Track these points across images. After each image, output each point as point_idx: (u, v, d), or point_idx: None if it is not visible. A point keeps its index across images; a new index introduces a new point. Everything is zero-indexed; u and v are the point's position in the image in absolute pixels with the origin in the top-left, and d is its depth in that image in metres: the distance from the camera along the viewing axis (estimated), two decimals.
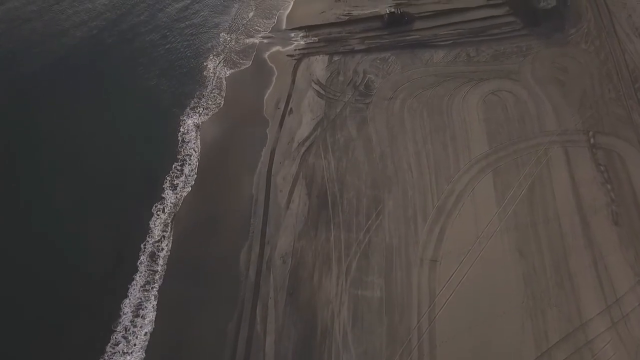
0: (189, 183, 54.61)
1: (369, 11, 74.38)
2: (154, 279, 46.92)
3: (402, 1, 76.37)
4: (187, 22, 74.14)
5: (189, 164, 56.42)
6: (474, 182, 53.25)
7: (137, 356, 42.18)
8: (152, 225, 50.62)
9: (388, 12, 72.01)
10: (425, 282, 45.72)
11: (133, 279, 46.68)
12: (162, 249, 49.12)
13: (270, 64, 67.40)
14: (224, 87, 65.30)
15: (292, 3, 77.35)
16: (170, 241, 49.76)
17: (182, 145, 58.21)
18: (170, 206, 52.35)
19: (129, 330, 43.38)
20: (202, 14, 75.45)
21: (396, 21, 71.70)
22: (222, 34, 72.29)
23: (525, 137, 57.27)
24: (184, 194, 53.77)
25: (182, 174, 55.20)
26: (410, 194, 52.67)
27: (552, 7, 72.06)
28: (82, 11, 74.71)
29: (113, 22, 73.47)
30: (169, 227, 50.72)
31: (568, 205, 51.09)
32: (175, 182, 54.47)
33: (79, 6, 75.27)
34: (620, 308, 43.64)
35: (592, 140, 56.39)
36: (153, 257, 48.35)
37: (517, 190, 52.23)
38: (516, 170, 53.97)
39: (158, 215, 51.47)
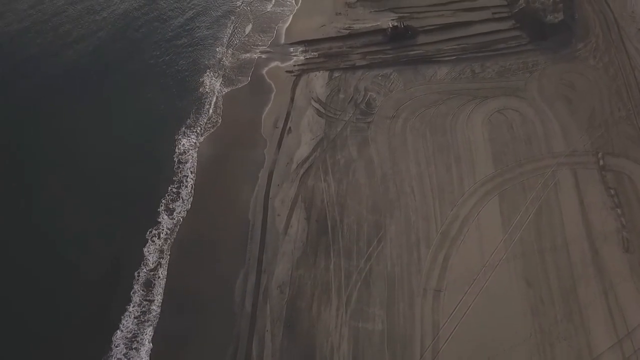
0: (185, 207, 54.00)
1: (370, 25, 74.13)
2: (149, 309, 46.25)
3: (405, 14, 75.80)
4: (183, 37, 74.01)
5: (186, 187, 55.95)
6: (479, 206, 52.68)
7: None
8: (146, 253, 50.07)
9: (391, 25, 71.59)
10: (429, 313, 45.10)
11: (126, 310, 46.06)
12: (158, 277, 48.54)
13: (269, 81, 67.06)
14: (220, 104, 64.98)
15: (291, 16, 77.11)
16: (166, 269, 48.97)
17: (179, 167, 57.77)
18: (167, 232, 51.89)
19: None
20: (199, 28, 75.25)
21: (399, 35, 71.37)
22: (219, 48, 72.02)
23: (532, 159, 56.76)
24: (181, 219, 53.09)
25: (179, 197, 54.72)
26: (412, 219, 52.12)
27: (559, 21, 71.41)
28: (79, 27, 74.39)
29: (110, 37, 73.31)
30: (165, 255, 50.05)
31: (577, 232, 50.49)
32: (171, 206, 53.94)
33: (75, 22, 74.75)
34: (632, 342, 43.03)
35: (601, 162, 55.83)
36: (148, 286, 47.70)
37: (523, 216, 51.65)
38: (523, 194, 53.42)
39: (153, 241, 50.94)
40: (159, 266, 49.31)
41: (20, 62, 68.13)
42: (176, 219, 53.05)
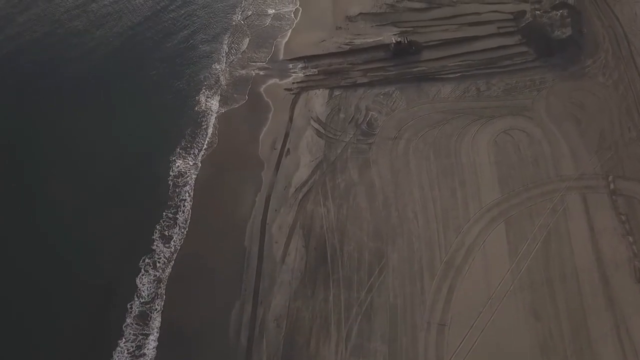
0: (181, 235, 53.41)
1: (372, 40, 73.81)
2: (144, 343, 45.61)
3: (407, 28, 75.48)
4: (179, 54, 73.63)
5: (182, 212, 55.47)
6: (485, 233, 52.15)
7: None
8: (139, 283, 49.44)
9: (394, 41, 71.17)
10: (433, 349, 44.55)
11: (117, 345, 45.37)
12: (153, 310, 47.92)
13: (267, 99, 66.71)
14: (217, 124, 64.70)
15: (290, 31, 76.79)
16: (161, 301, 48.37)
17: (174, 190, 57.46)
18: (163, 261, 51.14)
19: None
20: (195, 44, 74.91)
21: (403, 51, 70.89)
22: (216, 65, 71.71)
23: (540, 182, 56.24)
24: (176, 247, 52.54)
25: (176, 224, 54.14)
26: (416, 247, 51.61)
27: (567, 37, 70.97)
28: (72, 47, 74.22)
29: (103, 56, 73.08)
30: (159, 286, 49.44)
31: (587, 261, 49.95)
32: (166, 233, 53.41)
33: (68, 42, 74.74)
34: None
35: (611, 186, 55.26)
36: (142, 319, 47.04)
37: (531, 244, 51.13)
38: (530, 221, 52.87)
39: (147, 271, 50.49)
40: (154, 298, 48.61)
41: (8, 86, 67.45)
42: (173, 247, 52.37)
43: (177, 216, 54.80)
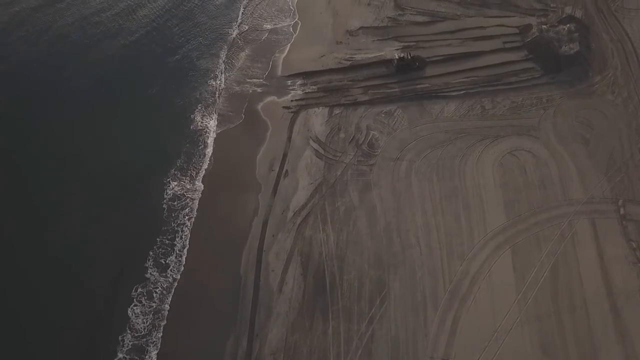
0: (176, 262, 52.52)
1: (373, 55, 73.34)
2: None
3: (410, 43, 75.01)
4: (174, 69, 73.22)
5: (180, 238, 54.74)
6: (490, 261, 51.48)
7: None
8: (131, 314, 48.63)
9: (397, 57, 70.59)
10: None
11: None
12: (148, 343, 47.12)
13: (264, 118, 66.17)
14: (212, 144, 64.14)
15: (288, 45, 76.37)
16: (155, 334, 47.62)
17: (169, 215, 56.74)
18: (160, 291, 50.29)
19: None
20: (191, 59, 74.51)
21: (406, 67, 70.33)
22: (212, 81, 71.37)
23: (547, 207, 55.55)
24: (176, 276, 51.90)
25: (173, 251, 53.39)
26: (418, 275, 50.90)
27: (574, 52, 70.36)
28: (68, 64, 73.73)
29: (98, 70, 72.53)
30: (151, 317, 48.62)
31: (596, 291, 49.29)
32: (162, 261, 52.53)
33: (63, 59, 74.26)
34: None
35: (622, 211, 54.56)
36: (136, 353, 46.23)
37: (538, 272, 50.45)
38: (537, 247, 52.18)
39: (140, 301, 49.46)
40: (150, 330, 47.75)
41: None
42: (170, 276, 51.59)
43: (175, 242, 53.80)
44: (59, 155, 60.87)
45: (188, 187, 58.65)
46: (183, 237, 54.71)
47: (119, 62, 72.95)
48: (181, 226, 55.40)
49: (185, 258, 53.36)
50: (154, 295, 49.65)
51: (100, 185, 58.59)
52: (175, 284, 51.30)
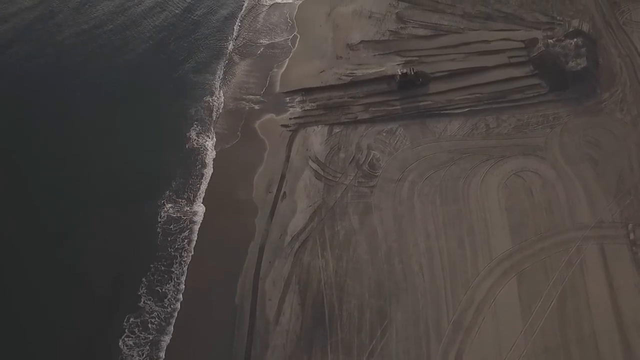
0: (178, 291, 51.79)
1: (374, 70, 72.68)
2: None
3: (412, 58, 74.36)
4: (169, 84, 72.54)
5: (179, 264, 54.09)
6: (496, 289, 50.83)
7: None
8: (122, 346, 47.74)
9: (400, 72, 69.82)
10: None
11: None
12: None
13: (262, 136, 65.54)
14: (208, 164, 63.09)
15: (287, 60, 75.70)
16: None
17: (164, 239, 55.88)
18: (157, 322, 49.47)
19: None
20: (186, 74, 73.89)
21: (409, 83, 69.60)
22: (207, 97, 70.76)
23: (554, 231, 54.90)
24: (175, 306, 51.04)
25: (170, 279, 52.58)
26: (421, 304, 50.21)
27: (582, 68, 69.60)
28: (61, 85, 72.97)
29: (90, 85, 72.05)
30: (145, 349, 47.81)
31: (606, 321, 48.53)
32: (157, 289, 51.64)
33: (55, 78, 73.49)
34: None
35: (631, 236, 53.83)
36: None
37: (545, 301, 49.73)
38: (544, 275, 51.51)
39: (133, 332, 48.52)
40: None
41: None
42: (169, 306, 50.77)
43: (172, 269, 53.07)
44: (45, 178, 59.90)
45: (185, 209, 57.72)
46: (182, 263, 53.48)
47: (112, 79, 72.18)
48: (179, 251, 54.32)
49: (184, 286, 51.76)
50: (150, 326, 48.47)
51: (89, 207, 57.89)
52: (176, 314, 50.04)
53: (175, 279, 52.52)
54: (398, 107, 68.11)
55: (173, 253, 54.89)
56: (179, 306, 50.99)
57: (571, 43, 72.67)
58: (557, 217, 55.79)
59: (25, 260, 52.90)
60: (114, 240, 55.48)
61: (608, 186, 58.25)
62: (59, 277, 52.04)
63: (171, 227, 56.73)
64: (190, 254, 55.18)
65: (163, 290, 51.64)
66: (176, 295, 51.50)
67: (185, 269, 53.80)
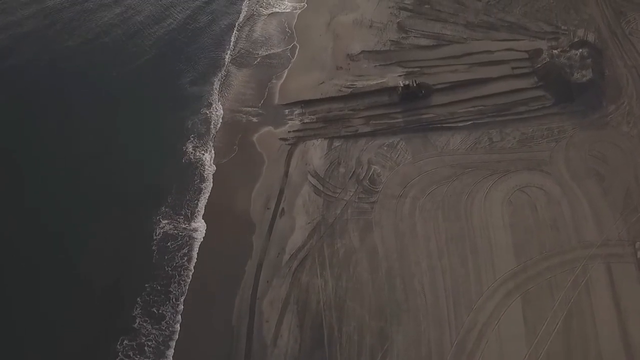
0: (177, 312, 51.13)
1: (375, 82, 72.28)
2: None
3: (414, 68, 73.99)
4: (165, 95, 71.98)
5: (177, 284, 53.34)
6: (500, 310, 50.21)
7: None
8: None
9: (402, 84, 69.36)
10: None
11: None
12: None
13: (260, 150, 65.02)
14: (205, 178, 62.61)
15: (286, 71, 75.29)
16: None
17: (160, 258, 55.05)
18: (154, 346, 48.99)
19: None
20: (183, 85, 73.42)
21: (412, 95, 69.11)
22: (204, 109, 70.27)
23: (560, 250, 54.36)
24: (175, 328, 50.46)
25: (168, 299, 51.86)
26: (423, 326, 49.58)
27: (587, 80, 69.12)
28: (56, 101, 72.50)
29: (87, 97, 71.63)
30: None
31: (613, 344, 48.12)
32: (153, 310, 50.97)
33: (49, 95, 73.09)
34: None
35: (639, 254, 53.06)
36: None
37: (551, 323, 49.14)
38: (549, 296, 50.92)
39: (128, 355, 47.94)
40: None
41: None
42: (165, 327, 50.22)
43: (170, 289, 52.48)
44: (31, 196, 59.59)
45: (183, 226, 57.12)
46: (181, 282, 53.05)
47: (107, 91, 71.71)
48: (178, 270, 53.79)
49: (182, 307, 51.21)
50: (146, 349, 47.85)
51: (81, 222, 57.48)
52: (176, 336, 49.43)
53: (174, 300, 51.71)
54: (399, 120, 67.52)
55: (171, 272, 54.22)
56: (179, 328, 49.88)
57: (576, 54, 72.33)
58: (563, 235, 55.23)
59: (10, 281, 52.06)
60: (107, 258, 55.20)
61: (615, 202, 57.69)
62: (48, 297, 51.62)
63: (168, 244, 55.99)
64: (191, 273, 54.16)
65: (160, 311, 50.96)
66: (175, 317, 50.64)
67: (185, 289, 52.83)
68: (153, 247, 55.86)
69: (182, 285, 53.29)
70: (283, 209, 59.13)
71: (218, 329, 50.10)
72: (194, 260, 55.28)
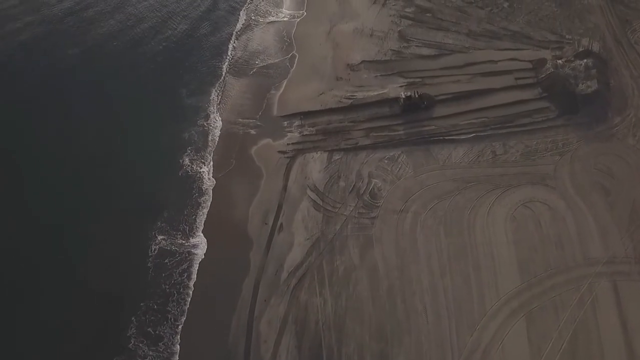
0: (175, 333, 50.60)
1: (375, 93, 71.78)
2: None
3: (415, 79, 73.58)
4: (161, 106, 71.13)
5: (176, 303, 52.71)
6: (503, 331, 49.81)
7: None
8: None
9: (404, 95, 68.88)
10: None
11: None
12: None
13: (258, 163, 64.52)
14: (202, 192, 62.09)
15: (284, 82, 74.76)
16: None
17: (156, 275, 54.50)
18: None
19: None
20: (179, 96, 72.59)
21: (413, 106, 68.62)
22: (201, 121, 69.72)
23: (565, 267, 53.92)
24: (174, 349, 49.99)
25: (166, 319, 51.17)
26: (425, 348, 49.23)
27: (592, 91, 68.66)
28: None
29: (82, 108, 71.13)
30: None
31: None
32: (149, 330, 50.43)
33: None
34: None
35: None
36: None
37: (556, 343, 48.90)
38: (554, 315, 50.47)
39: None
40: None
41: None
42: (162, 349, 49.63)
43: (168, 308, 51.87)
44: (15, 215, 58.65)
45: (181, 242, 56.57)
46: (180, 301, 52.50)
47: (102, 103, 71.08)
48: (176, 288, 53.15)
49: (182, 327, 50.66)
50: None
51: (72, 239, 57.00)
52: (176, 357, 48.79)
53: (172, 320, 51.05)
54: (401, 132, 67.10)
55: (168, 290, 53.39)
56: (178, 348, 49.34)
57: (581, 64, 71.78)
58: (568, 252, 54.81)
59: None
60: (99, 275, 54.44)
61: (621, 218, 57.30)
62: (37, 315, 51.22)
63: (165, 261, 55.38)
64: (191, 291, 53.56)
65: (157, 331, 50.25)
66: (173, 337, 50.07)
67: (185, 308, 52.19)
68: (149, 264, 55.28)
69: (182, 304, 52.12)
70: (281, 224, 58.66)
71: (213, 350, 49.38)
72: (194, 278, 54.30)
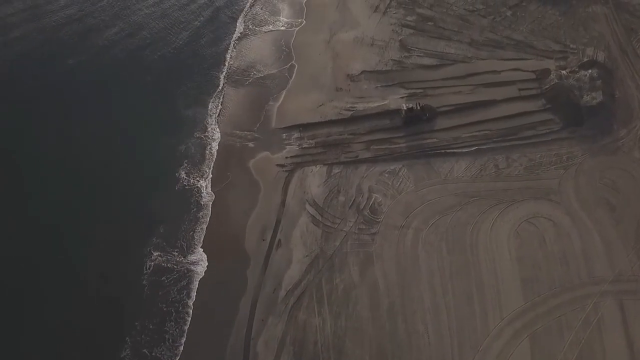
0: (175, 355, 50.04)
1: (376, 104, 71.41)
2: None
3: (417, 90, 73.14)
4: (159, 117, 70.86)
5: (175, 322, 52.04)
6: (507, 352, 49.42)
7: None
8: None
9: (405, 107, 68.36)
10: None
11: None
12: None
13: (256, 177, 64.08)
14: (198, 206, 61.49)
15: (284, 92, 74.40)
16: None
17: (152, 293, 53.77)
18: None
19: None
20: (177, 107, 72.21)
21: (415, 118, 68.13)
22: (198, 133, 69.47)
23: (570, 286, 53.39)
24: None
25: (164, 340, 50.68)
26: None
27: (597, 102, 68.18)
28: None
29: (77, 118, 70.86)
30: None
31: None
32: (145, 351, 49.79)
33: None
34: None
35: None
36: None
37: None
38: (559, 336, 49.94)
39: None
40: None
41: None
42: None
43: (166, 328, 51.47)
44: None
45: (178, 259, 56.04)
46: (179, 320, 51.85)
47: (100, 114, 70.71)
48: (174, 305, 52.55)
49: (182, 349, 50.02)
50: None
51: (64, 255, 56.79)
52: None
53: (170, 340, 50.39)
54: (402, 145, 66.70)
55: (165, 309, 52.80)
56: None
57: (586, 75, 71.43)
58: (573, 270, 54.27)
59: None
60: (92, 293, 53.84)
61: (627, 234, 56.71)
62: (28, 335, 50.74)
63: (162, 278, 54.82)
64: (191, 310, 52.98)
65: (153, 352, 49.48)
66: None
67: (185, 328, 51.60)
68: (143, 282, 54.85)
69: (181, 324, 51.58)
70: (280, 240, 58.20)
71: None
72: (193, 296, 53.78)
